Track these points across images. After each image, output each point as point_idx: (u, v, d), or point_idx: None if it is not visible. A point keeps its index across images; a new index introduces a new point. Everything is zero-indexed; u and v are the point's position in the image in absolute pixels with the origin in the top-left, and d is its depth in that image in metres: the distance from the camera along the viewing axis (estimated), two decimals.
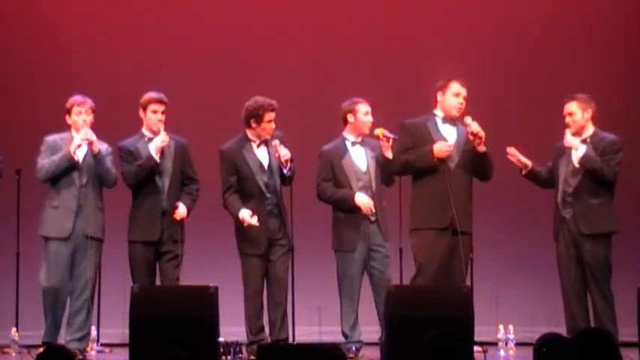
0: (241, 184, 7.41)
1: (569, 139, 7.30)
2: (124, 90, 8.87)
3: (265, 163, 7.44)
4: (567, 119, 7.36)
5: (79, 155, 7.38)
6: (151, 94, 7.50)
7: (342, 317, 7.59)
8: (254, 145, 7.47)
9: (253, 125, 7.41)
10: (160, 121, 7.47)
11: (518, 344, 7.85)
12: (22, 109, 8.86)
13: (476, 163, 7.20)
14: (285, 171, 7.33)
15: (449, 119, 7.22)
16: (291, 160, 7.36)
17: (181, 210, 7.43)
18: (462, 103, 7.19)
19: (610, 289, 7.23)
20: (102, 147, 7.49)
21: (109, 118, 8.51)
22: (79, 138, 7.35)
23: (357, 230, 7.50)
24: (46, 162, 7.37)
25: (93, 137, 7.36)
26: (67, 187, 7.37)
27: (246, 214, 7.28)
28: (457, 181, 7.12)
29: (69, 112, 7.46)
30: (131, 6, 9.23)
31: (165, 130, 7.50)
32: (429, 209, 7.13)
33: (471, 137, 7.12)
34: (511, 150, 7.52)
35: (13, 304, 8.30)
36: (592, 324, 7.25)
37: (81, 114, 7.43)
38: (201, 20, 9.18)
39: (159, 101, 7.48)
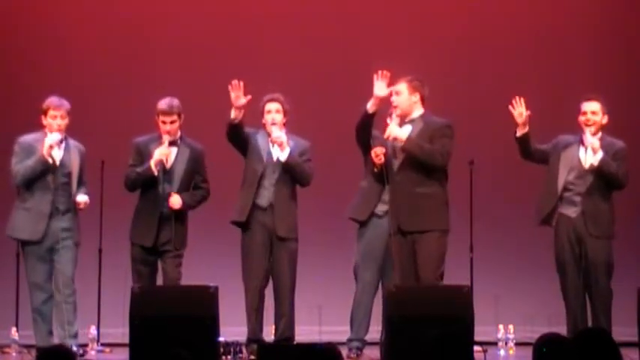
0: (246, 166, 7.49)
1: (591, 140, 7.17)
2: (124, 90, 8.89)
3: (269, 153, 7.47)
4: (589, 117, 7.22)
5: (54, 156, 7.32)
6: (160, 104, 7.42)
7: (353, 307, 7.58)
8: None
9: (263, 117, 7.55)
10: (167, 132, 7.39)
11: (518, 344, 7.86)
12: (22, 110, 8.84)
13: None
14: (279, 153, 7.37)
15: (402, 119, 7.14)
16: (293, 149, 7.39)
17: (173, 199, 7.36)
18: (392, 101, 7.12)
19: (610, 288, 7.21)
20: (73, 144, 7.45)
21: (109, 118, 8.54)
22: (49, 141, 7.28)
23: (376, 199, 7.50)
24: (20, 167, 7.32)
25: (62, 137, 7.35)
26: (42, 190, 7.32)
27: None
28: (402, 182, 6.99)
29: (45, 113, 7.39)
30: (136, 6, 9.21)
31: (183, 134, 7.50)
32: (389, 214, 7.16)
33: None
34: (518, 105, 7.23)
35: (13, 304, 8.30)
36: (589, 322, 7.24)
37: (56, 118, 7.35)
38: (204, 19, 9.18)
39: (164, 112, 7.40)
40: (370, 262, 7.56)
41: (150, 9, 9.20)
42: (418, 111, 7.09)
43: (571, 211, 7.23)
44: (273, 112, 7.47)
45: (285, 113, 7.50)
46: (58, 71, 8.90)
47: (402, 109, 7.08)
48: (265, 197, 7.41)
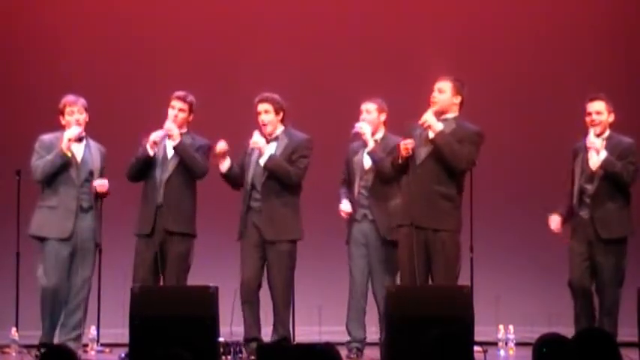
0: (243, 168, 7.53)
1: (593, 140, 7.11)
2: (123, 90, 8.89)
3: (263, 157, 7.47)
4: (594, 117, 7.17)
5: (75, 152, 7.34)
6: (177, 91, 7.50)
7: (348, 309, 7.61)
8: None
9: None
10: (174, 117, 7.42)
11: (518, 344, 7.85)
12: (21, 110, 8.86)
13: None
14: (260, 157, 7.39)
15: (438, 115, 7.10)
16: (266, 154, 7.38)
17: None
18: (433, 96, 7.08)
19: (619, 293, 7.14)
20: (94, 145, 7.48)
21: (109, 118, 8.54)
22: (68, 134, 7.29)
23: (351, 225, 7.64)
24: (40, 162, 7.30)
25: (82, 133, 7.35)
26: (65, 187, 7.31)
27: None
28: (422, 176, 6.93)
29: (62, 112, 7.41)
30: (136, 6, 9.21)
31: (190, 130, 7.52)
32: (401, 207, 7.13)
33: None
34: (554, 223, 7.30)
35: (13, 304, 8.29)
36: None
37: (74, 113, 7.38)
38: (203, 19, 9.18)
39: (178, 97, 7.45)
40: (358, 263, 7.59)
41: (150, 9, 9.21)
42: (453, 113, 7.04)
43: (584, 213, 7.18)
44: (262, 113, 7.48)
45: (277, 111, 7.48)
46: (58, 71, 8.90)
47: (441, 107, 7.01)
48: (257, 200, 7.42)
